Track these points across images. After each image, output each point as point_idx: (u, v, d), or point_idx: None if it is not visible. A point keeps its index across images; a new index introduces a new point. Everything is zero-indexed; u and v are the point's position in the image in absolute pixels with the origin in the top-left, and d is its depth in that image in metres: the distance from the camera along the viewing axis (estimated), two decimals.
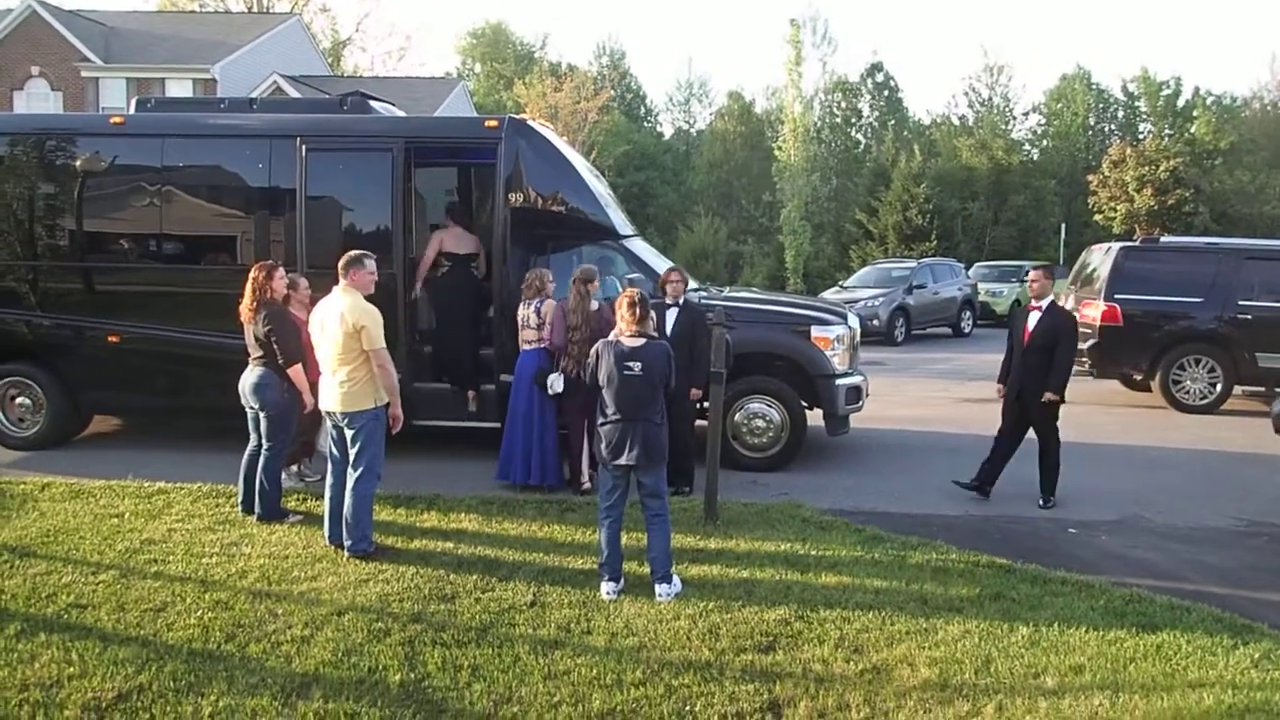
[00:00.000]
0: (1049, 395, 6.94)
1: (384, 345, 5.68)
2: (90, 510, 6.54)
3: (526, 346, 7.37)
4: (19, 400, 8.54)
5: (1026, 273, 25.21)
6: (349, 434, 5.70)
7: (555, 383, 7.18)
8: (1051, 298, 7.17)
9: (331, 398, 5.70)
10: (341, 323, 5.57)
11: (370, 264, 5.81)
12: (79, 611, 4.89)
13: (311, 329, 5.86)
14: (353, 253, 5.83)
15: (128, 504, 6.68)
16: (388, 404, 5.72)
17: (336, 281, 5.75)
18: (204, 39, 31.23)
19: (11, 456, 8.43)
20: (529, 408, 7.29)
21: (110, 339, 8.28)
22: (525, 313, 7.36)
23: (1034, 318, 7.09)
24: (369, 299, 5.72)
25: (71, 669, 4.29)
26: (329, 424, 5.87)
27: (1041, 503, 7.15)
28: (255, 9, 44.36)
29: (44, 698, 4.07)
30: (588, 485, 7.15)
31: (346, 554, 5.64)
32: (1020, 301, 24.46)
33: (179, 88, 28.43)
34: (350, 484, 5.69)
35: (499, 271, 8.02)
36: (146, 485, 7.12)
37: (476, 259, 8.52)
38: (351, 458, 5.73)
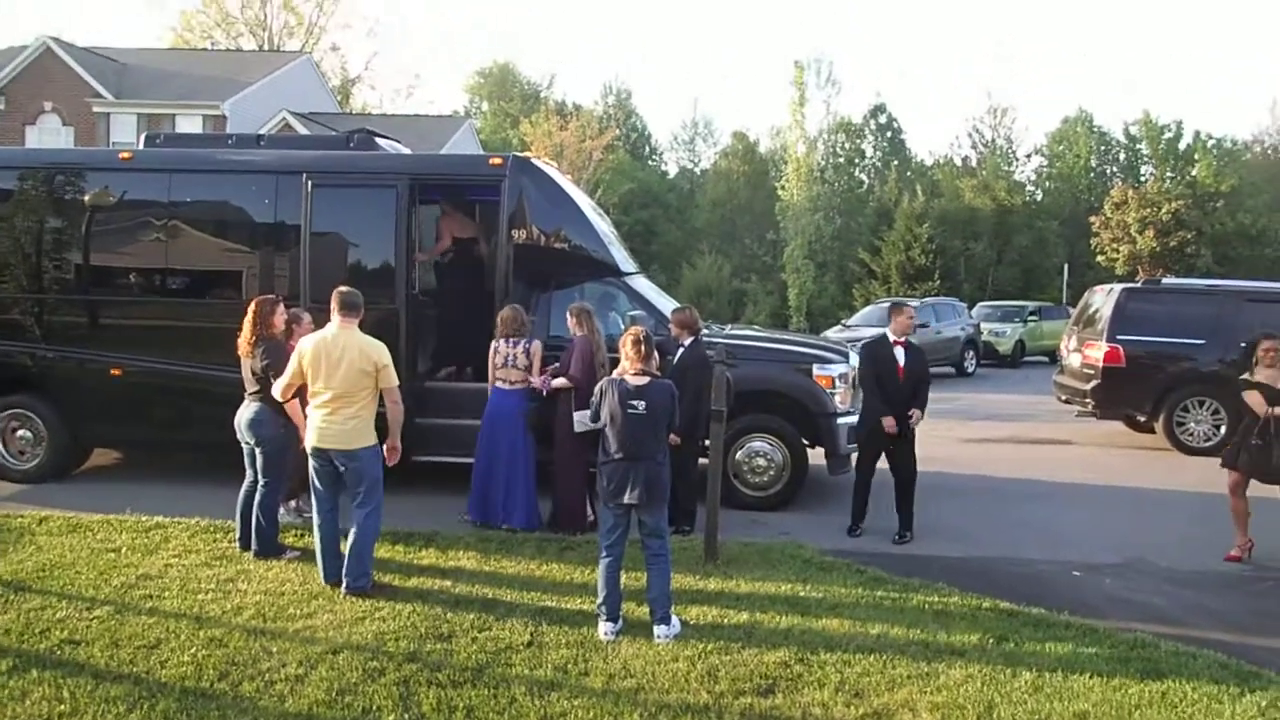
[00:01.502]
0: (917, 414, 7.25)
1: (397, 381, 5.71)
2: (87, 544, 6.50)
3: (506, 386, 7.28)
4: (20, 433, 8.54)
5: (1032, 313, 25.46)
6: (350, 471, 5.65)
7: (585, 419, 6.70)
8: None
9: (331, 435, 5.61)
10: (362, 359, 5.54)
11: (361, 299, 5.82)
12: (72, 648, 4.83)
13: (305, 365, 5.66)
14: (347, 290, 5.80)
15: (125, 538, 6.64)
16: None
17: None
18: (214, 76, 31.65)
19: (11, 489, 8.40)
20: (511, 449, 7.23)
21: (113, 372, 8.30)
22: (509, 351, 7.26)
23: (900, 353, 7.30)
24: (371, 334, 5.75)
25: (62, 707, 4.22)
26: (314, 462, 5.73)
27: (906, 537, 7.27)
28: (266, 47, 45.06)
29: None
30: (593, 518, 7.11)
31: (344, 591, 5.57)
32: (1025, 343, 24.51)
33: (189, 124, 28.75)
34: (358, 520, 5.63)
35: (502, 306, 8.02)
36: (144, 519, 7.08)
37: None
38: (359, 496, 5.67)
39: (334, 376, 5.56)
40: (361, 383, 5.56)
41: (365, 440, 5.63)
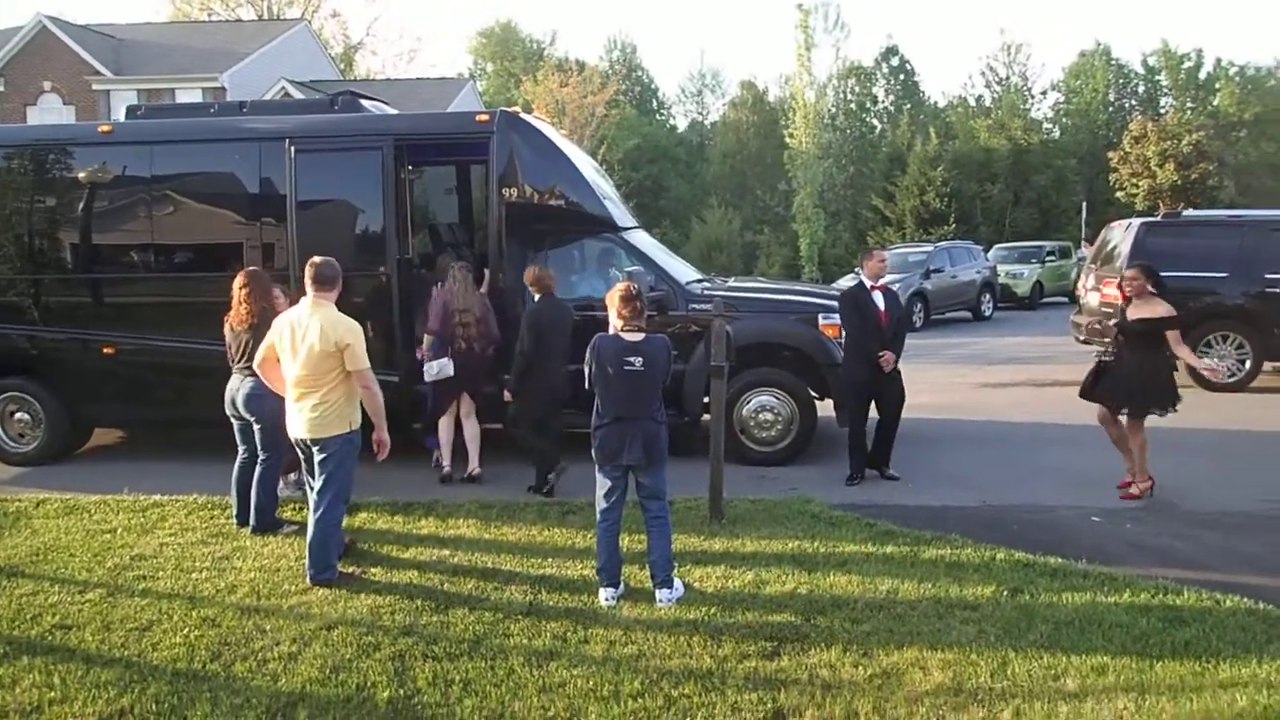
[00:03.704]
0: (892, 357, 7.16)
1: (369, 365, 5.30)
2: (83, 526, 6.42)
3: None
4: (18, 416, 8.47)
5: (1049, 253, 24.99)
6: (318, 459, 5.28)
7: (445, 368, 7.35)
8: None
9: (300, 423, 5.27)
10: (322, 340, 5.13)
11: (338, 270, 5.41)
12: (64, 633, 4.75)
13: (276, 345, 5.40)
14: (321, 260, 5.38)
15: (121, 519, 6.56)
16: (360, 429, 5.36)
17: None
18: (212, 48, 31.35)
19: (11, 472, 8.37)
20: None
21: (105, 351, 8.19)
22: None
23: (879, 297, 7.23)
24: (354, 306, 5.47)
25: (53, 693, 4.14)
26: (297, 447, 5.48)
27: (894, 475, 7.38)
28: (265, 17, 44.54)
29: None
30: (477, 472, 7.56)
31: (309, 582, 5.27)
32: (1043, 284, 24.07)
33: (188, 97, 28.41)
34: (315, 513, 5.27)
35: (495, 268, 7.83)
36: (141, 499, 7.01)
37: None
38: (318, 485, 5.29)
39: (298, 358, 5.21)
40: (325, 365, 5.15)
41: (336, 428, 5.23)
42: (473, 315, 7.43)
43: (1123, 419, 6.79)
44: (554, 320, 7.04)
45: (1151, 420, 6.65)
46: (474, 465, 7.61)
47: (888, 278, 7.51)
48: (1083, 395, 6.94)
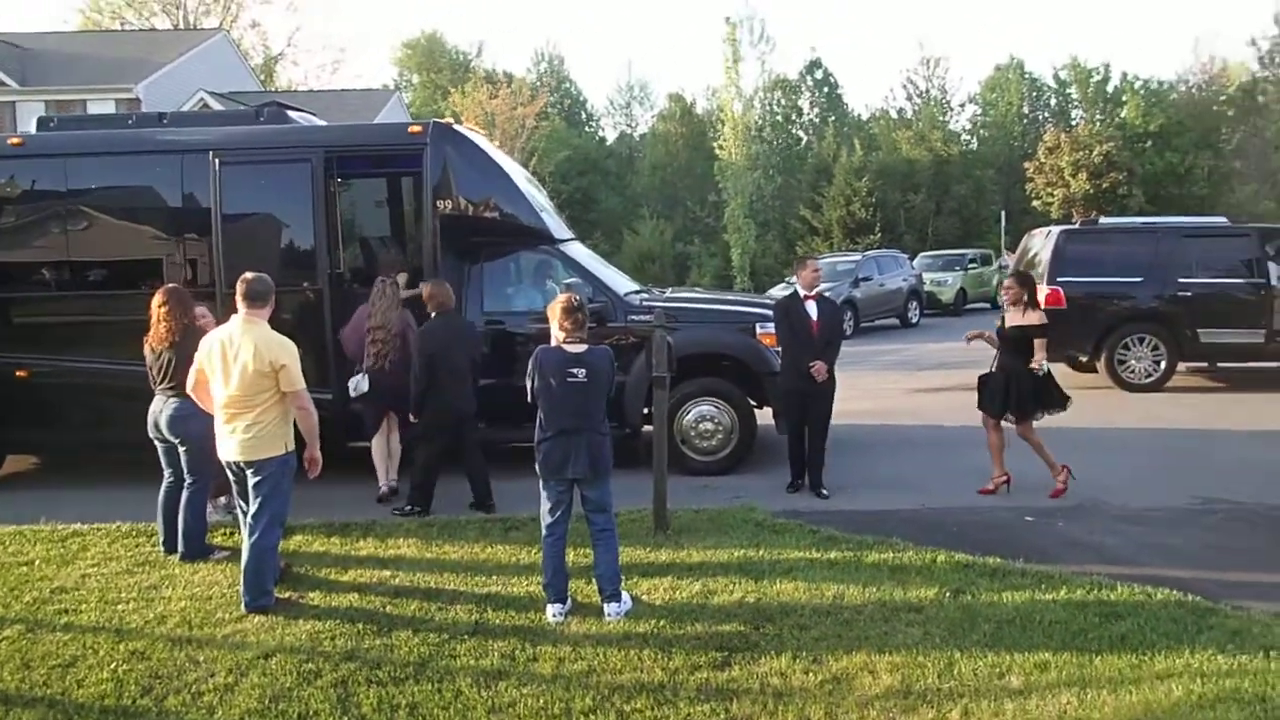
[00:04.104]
0: (821, 367, 7.12)
1: (304, 385, 5.15)
2: None
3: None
4: None
5: (970, 261, 25.76)
6: (252, 482, 5.10)
7: (360, 384, 7.30)
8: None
9: (232, 445, 5.09)
10: (256, 359, 4.96)
11: (271, 286, 5.26)
12: None
13: (204, 364, 5.23)
14: (253, 275, 5.22)
15: (39, 549, 6.22)
16: (294, 449, 5.20)
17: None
18: (126, 58, 30.32)
19: None
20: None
21: (18, 374, 7.80)
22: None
23: (813, 307, 7.27)
24: (285, 323, 5.31)
25: None
26: (228, 470, 5.30)
27: (825, 493, 7.26)
28: (181, 26, 43.30)
29: None
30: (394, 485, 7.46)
31: (244, 609, 5.07)
32: (967, 291, 24.76)
33: (101, 108, 27.47)
34: (250, 537, 5.07)
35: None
36: (60, 528, 6.66)
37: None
38: (253, 508, 5.11)
39: (230, 379, 5.03)
40: (259, 385, 4.99)
41: (270, 450, 5.06)
42: (386, 332, 7.26)
43: (1006, 425, 7.12)
44: (447, 338, 6.89)
45: (1077, 422, 6.89)
46: (391, 479, 7.48)
47: (819, 286, 7.56)
48: (979, 407, 7.25)
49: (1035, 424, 7.06)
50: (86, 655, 4.61)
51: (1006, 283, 7.29)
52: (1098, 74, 42.82)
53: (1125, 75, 42.28)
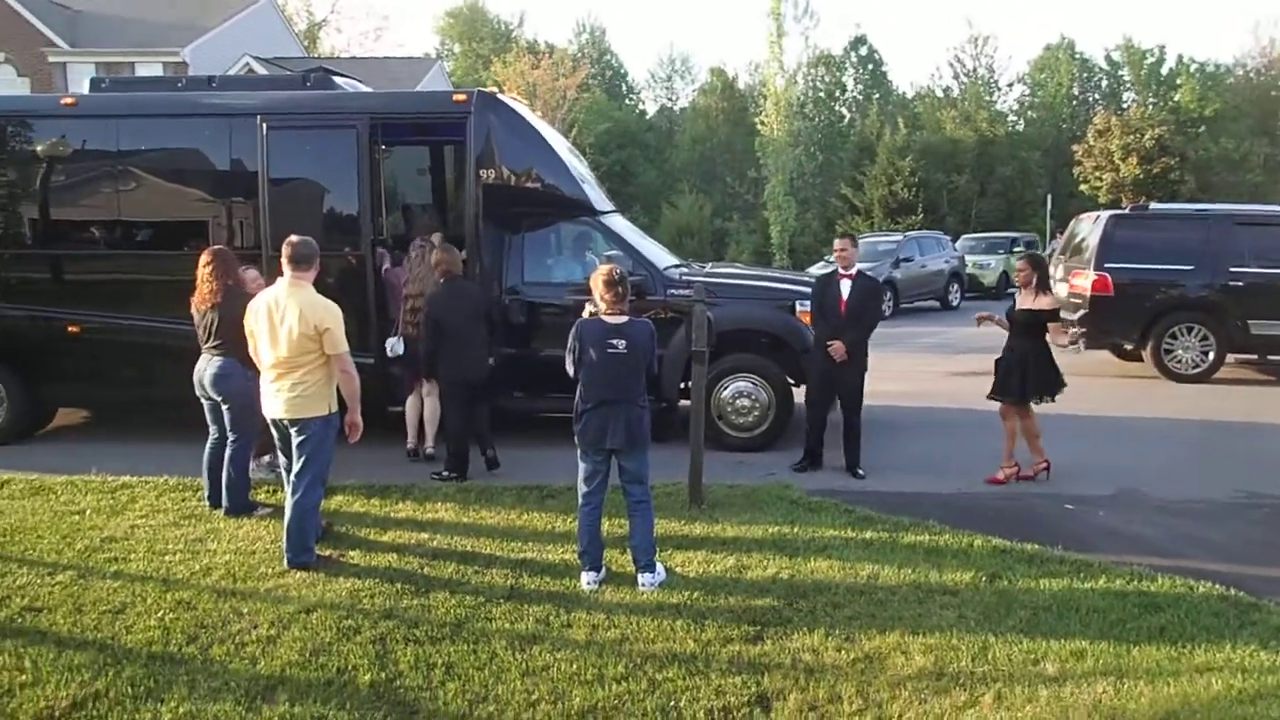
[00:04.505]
0: (841, 347, 6.98)
1: (347, 348, 5.26)
2: (50, 507, 6.27)
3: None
4: None
5: (1015, 244, 25.34)
6: (296, 441, 5.24)
7: (395, 346, 7.46)
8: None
9: (278, 404, 5.22)
10: (301, 323, 5.07)
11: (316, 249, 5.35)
12: (34, 615, 4.63)
13: (251, 326, 5.35)
14: (299, 239, 5.30)
15: (89, 500, 6.41)
16: (339, 410, 5.30)
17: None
18: (173, 21, 30.55)
19: None
20: None
21: (70, 329, 7.97)
22: None
23: (845, 286, 7.15)
24: (329, 287, 5.38)
25: (24, 676, 4.04)
26: (272, 428, 5.41)
27: (861, 473, 7.17)
28: None
29: None
30: (431, 451, 7.54)
31: (286, 565, 5.20)
32: (1009, 275, 24.36)
33: (149, 71, 27.77)
34: (294, 495, 5.21)
35: (472, 251, 7.74)
36: (110, 480, 6.84)
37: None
38: (296, 467, 5.25)
39: (277, 341, 5.15)
40: (304, 347, 5.10)
41: (315, 409, 5.18)
42: (422, 299, 7.31)
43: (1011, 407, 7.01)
44: (452, 305, 6.93)
45: (1121, 411, 6.78)
46: (430, 444, 7.58)
47: (859, 266, 7.48)
48: (989, 396, 7.14)
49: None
50: (135, 603, 4.74)
51: (1019, 264, 7.16)
52: (1152, 56, 41.77)
53: (1181, 58, 41.25)
